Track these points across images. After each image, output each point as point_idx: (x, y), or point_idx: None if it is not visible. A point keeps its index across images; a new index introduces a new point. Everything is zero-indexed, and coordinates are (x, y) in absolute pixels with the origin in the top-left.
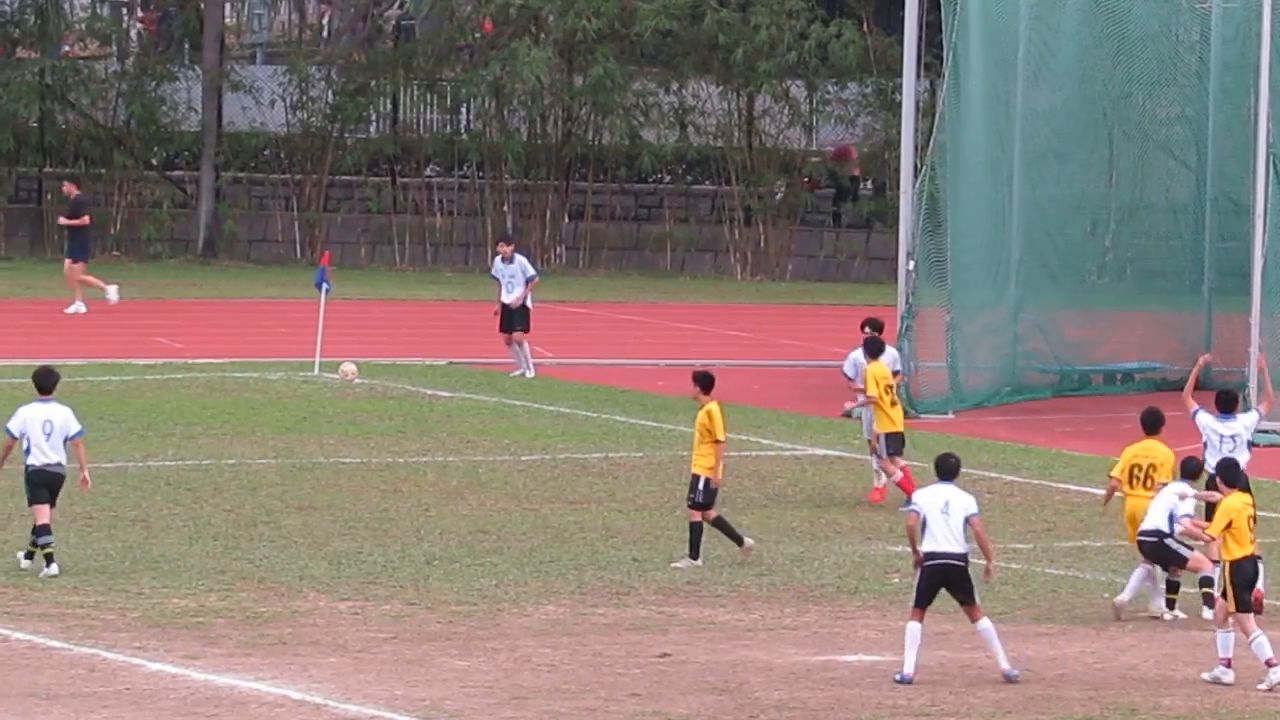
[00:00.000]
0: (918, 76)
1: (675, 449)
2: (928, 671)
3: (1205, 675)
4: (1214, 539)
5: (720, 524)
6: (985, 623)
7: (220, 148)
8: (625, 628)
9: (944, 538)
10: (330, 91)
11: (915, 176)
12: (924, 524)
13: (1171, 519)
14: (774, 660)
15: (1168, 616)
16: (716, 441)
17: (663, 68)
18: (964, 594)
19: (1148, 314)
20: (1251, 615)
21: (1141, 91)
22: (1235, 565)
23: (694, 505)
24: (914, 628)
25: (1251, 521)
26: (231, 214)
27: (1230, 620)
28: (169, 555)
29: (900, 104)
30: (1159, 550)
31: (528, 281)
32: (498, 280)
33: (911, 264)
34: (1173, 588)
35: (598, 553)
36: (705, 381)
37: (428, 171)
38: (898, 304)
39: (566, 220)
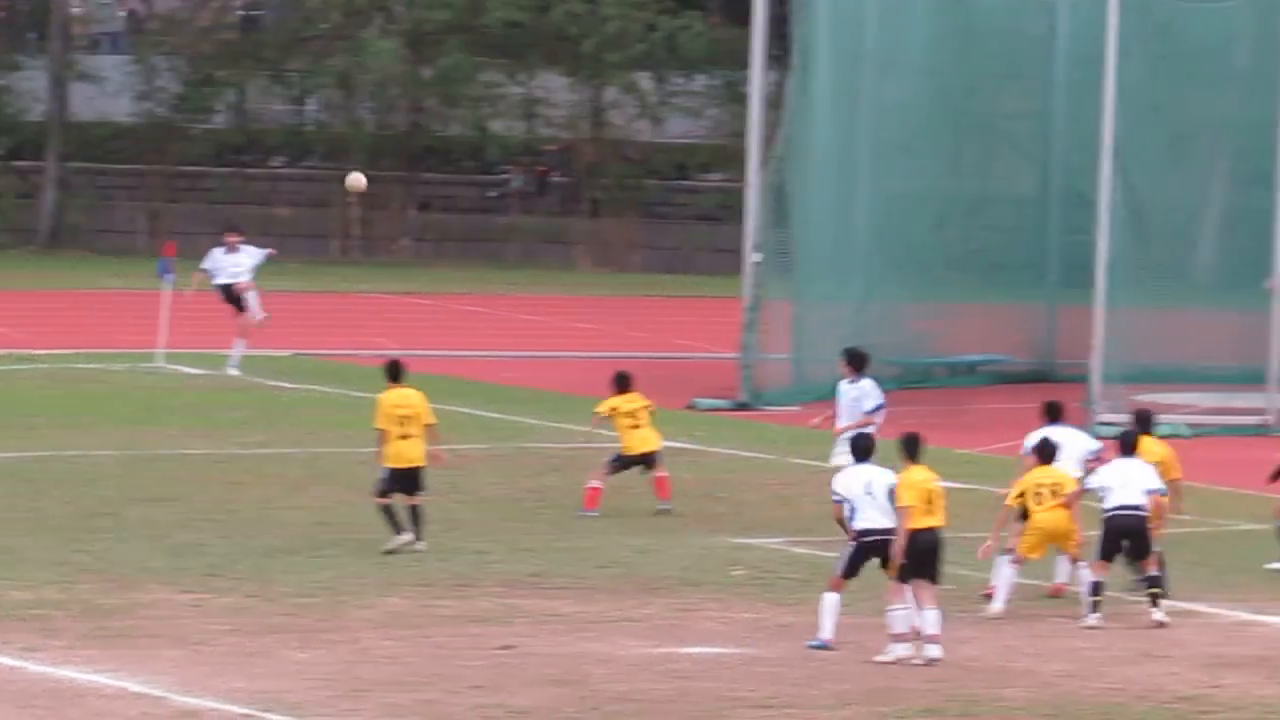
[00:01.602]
0: (766, 69)
1: (519, 440)
2: (769, 663)
3: (880, 657)
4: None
5: None
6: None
7: (65, 137)
8: (467, 620)
9: (873, 516)
10: (176, 81)
11: (762, 169)
12: (851, 509)
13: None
14: (616, 652)
15: (1158, 616)
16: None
17: (511, 59)
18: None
19: (992, 306)
20: (906, 588)
21: (988, 85)
22: (912, 535)
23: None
24: (833, 598)
25: (937, 495)
26: (76, 204)
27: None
28: (8, 547)
29: (748, 96)
30: (1141, 528)
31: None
32: (208, 272)
33: (758, 256)
34: (1152, 582)
35: (441, 545)
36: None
37: (274, 162)
38: (743, 296)
39: (413, 211)
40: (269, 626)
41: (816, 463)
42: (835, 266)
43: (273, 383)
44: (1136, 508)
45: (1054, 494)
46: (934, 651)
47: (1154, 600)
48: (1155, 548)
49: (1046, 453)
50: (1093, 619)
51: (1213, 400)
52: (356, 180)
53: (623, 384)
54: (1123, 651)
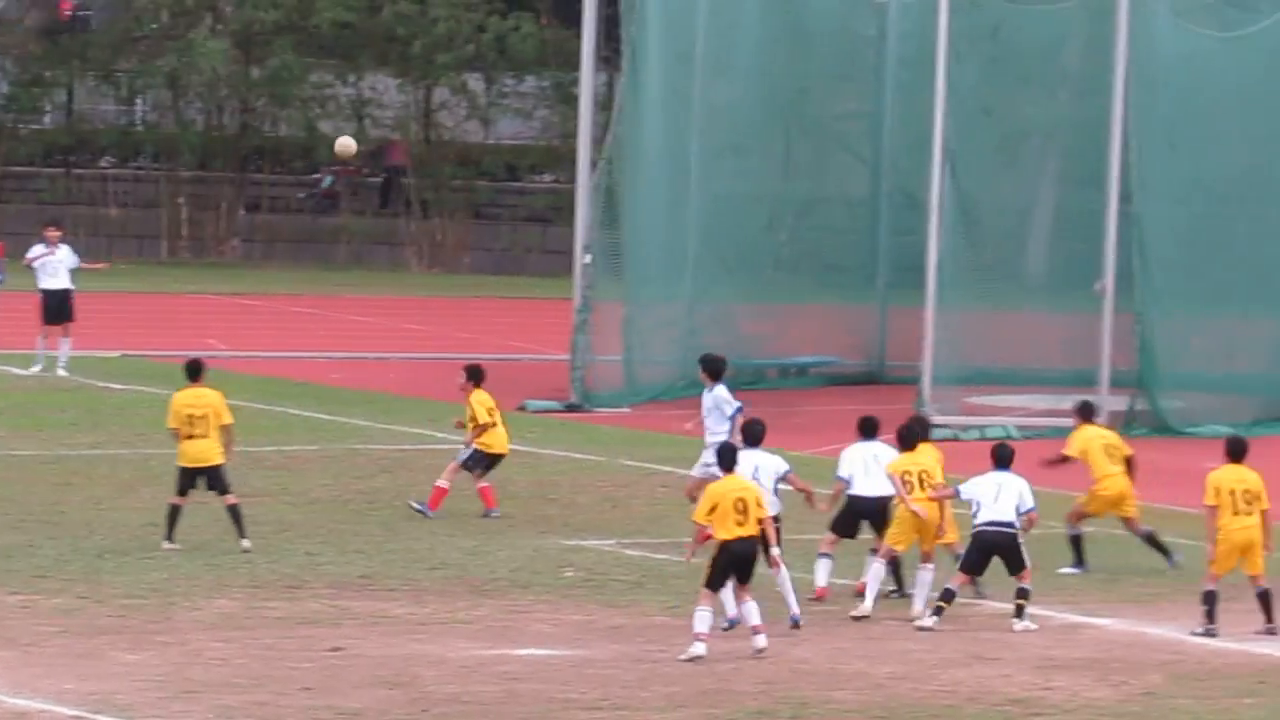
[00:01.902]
0: (596, 70)
1: (349, 442)
2: (600, 665)
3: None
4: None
5: None
6: (783, 572)
7: None
8: (297, 621)
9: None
10: (4, 82)
11: (593, 170)
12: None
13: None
14: (447, 654)
15: (1020, 626)
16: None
17: (341, 60)
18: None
19: (823, 307)
20: (715, 595)
21: (819, 86)
22: (722, 545)
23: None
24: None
25: (751, 504)
26: None
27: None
28: None
29: (578, 97)
30: (1011, 545)
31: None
32: (33, 269)
33: (588, 257)
34: (1022, 594)
35: (270, 546)
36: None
37: (103, 163)
38: (574, 297)
39: (242, 212)
40: (99, 628)
41: (648, 465)
42: (666, 268)
43: (101, 384)
44: (1007, 524)
45: (922, 483)
46: (761, 641)
47: (1019, 611)
48: (1027, 563)
49: (909, 437)
50: (929, 621)
51: (1043, 402)
52: (346, 145)
53: (475, 377)
54: (954, 654)
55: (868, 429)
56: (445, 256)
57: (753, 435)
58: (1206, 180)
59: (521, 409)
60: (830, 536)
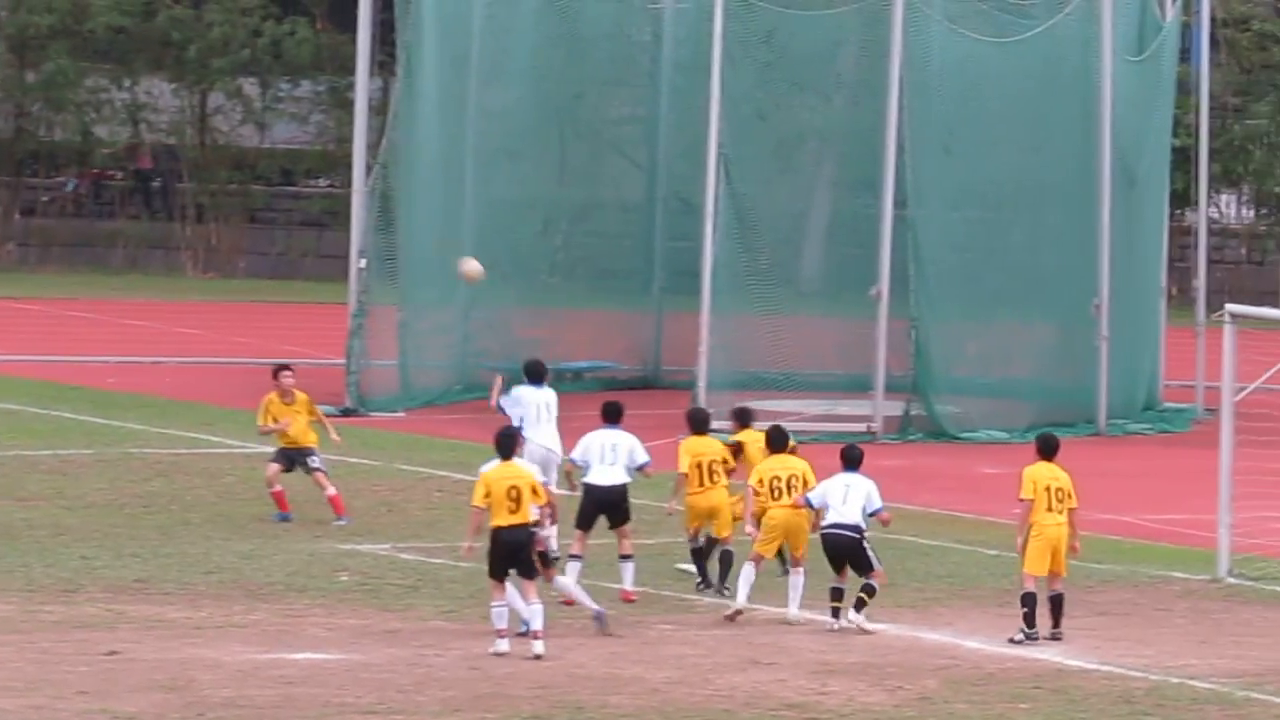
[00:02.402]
0: (371, 74)
1: (124, 445)
2: (376, 669)
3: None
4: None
5: None
6: (561, 577)
7: None
8: (73, 625)
9: (605, 473)
10: None
11: (368, 175)
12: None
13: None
14: (222, 658)
15: (855, 619)
16: None
17: (116, 64)
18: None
19: (599, 313)
20: (503, 585)
21: (594, 91)
22: (494, 533)
23: None
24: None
25: (524, 492)
26: None
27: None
28: None
29: (353, 102)
30: (852, 548)
31: None
32: None
33: (363, 262)
34: (837, 594)
35: (46, 550)
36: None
37: None
38: (349, 302)
39: (17, 216)
40: None
41: (423, 469)
42: (440, 272)
43: None
44: (850, 527)
45: (790, 489)
46: (539, 648)
47: (858, 604)
48: (877, 564)
49: (777, 441)
50: (858, 617)
51: (819, 407)
52: (474, 269)
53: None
54: (730, 659)
55: (611, 414)
56: (221, 261)
57: (613, 413)
58: (981, 186)
59: None
60: (578, 534)
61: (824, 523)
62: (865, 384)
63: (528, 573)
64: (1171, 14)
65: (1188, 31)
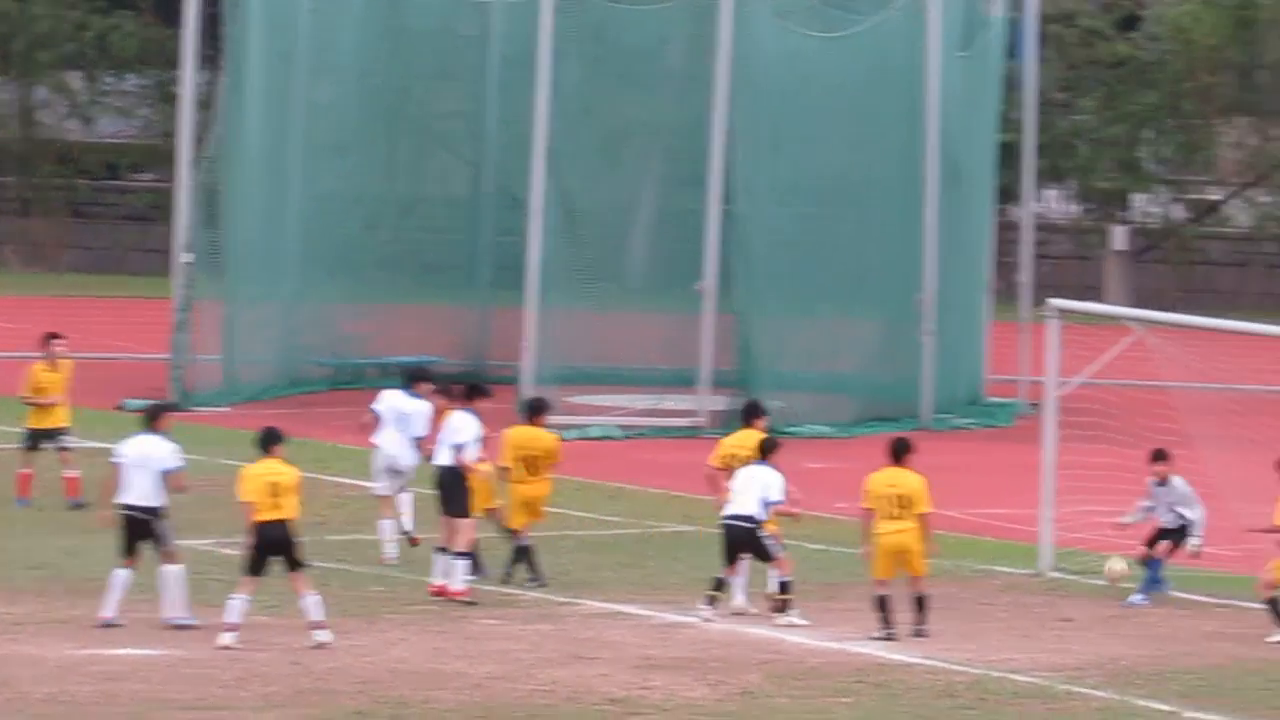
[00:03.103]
0: (198, 69)
1: None
2: (198, 665)
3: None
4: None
5: None
6: (177, 567)
7: None
8: None
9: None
10: None
11: (194, 169)
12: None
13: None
14: (44, 654)
15: (703, 613)
16: None
17: None
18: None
19: (425, 307)
20: (254, 580)
21: (421, 86)
22: (255, 528)
23: None
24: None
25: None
26: None
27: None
28: None
29: (179, 96)
30: (748, 539)
31: None
32: None
33: (188, 257)
34: (718, 585)
35: None
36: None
37: None
38: (174, 296)
39: None
40: None
41: (248, 464)
42: (266, 267)
43: None
44: (745, 519)
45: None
46: (323, 636)
47: (781, 606)
48: (779, 553)
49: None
50: (707, 612)
51: (645, 402)
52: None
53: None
54: (553, 653)
55: (410, 380)
56: (44, 255)
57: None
58: (807, 181)
59: (120, 408)
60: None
61: (723, 513)
62: (691, 379)
63: (294, 567)
64: (998, 10)
65: (1014, 27)
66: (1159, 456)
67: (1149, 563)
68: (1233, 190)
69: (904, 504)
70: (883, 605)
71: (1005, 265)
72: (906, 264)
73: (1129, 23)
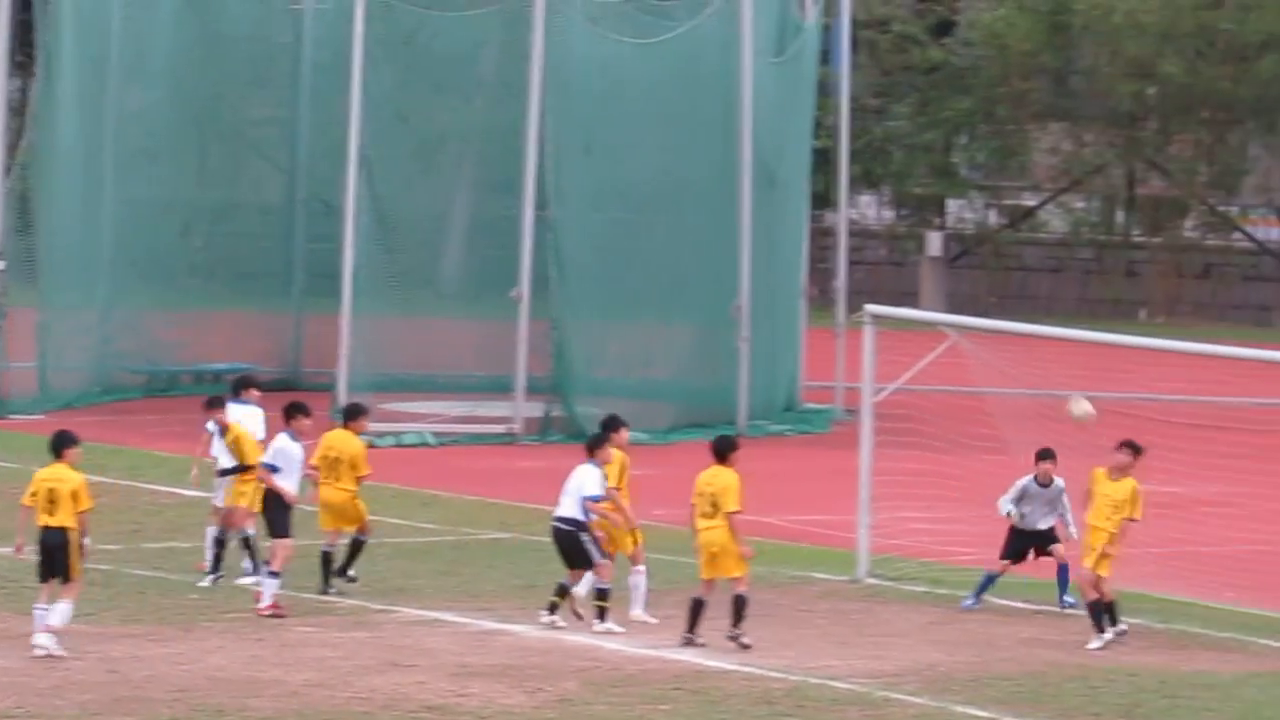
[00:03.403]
0: (10, 75)
1: None
2: (14, 673)
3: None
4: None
5: None
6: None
7: None
8: None
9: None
10: None
11: (6, 175)
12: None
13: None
14: None
15: (545, 619)
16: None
17: None
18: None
19: (238, 314)
20: (47, 586)
21: (234, 92)
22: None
23: None
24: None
25: (61, 495)
26: None
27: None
28: None
29: None
30: (570, 543)
31: None
32: None
33: (1, 264)
34: (560, 590)
35: None
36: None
37: None
38: None
39: None
40: None
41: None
42: (80, 274)
43: None
44: (567, 520)
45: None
46: (46, 642)
47: (600, 613)
48: (599, 559)
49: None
50: (601, 626)
51: (460, 409)
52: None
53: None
54: (370, 661)
55: (237, 387)
56: None
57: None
58: (622, 187)
59: None
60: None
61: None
62: (506, 385)
63: (63, 575)
64: (812, 16)
65: (828, 33)
66: (1045, 456)
67: (988, 575)
68: (1048, 196)
69: (713, 504)
70: (694, 609)
71: (821, 271)
72: (722, 270)
73: (943, 28)
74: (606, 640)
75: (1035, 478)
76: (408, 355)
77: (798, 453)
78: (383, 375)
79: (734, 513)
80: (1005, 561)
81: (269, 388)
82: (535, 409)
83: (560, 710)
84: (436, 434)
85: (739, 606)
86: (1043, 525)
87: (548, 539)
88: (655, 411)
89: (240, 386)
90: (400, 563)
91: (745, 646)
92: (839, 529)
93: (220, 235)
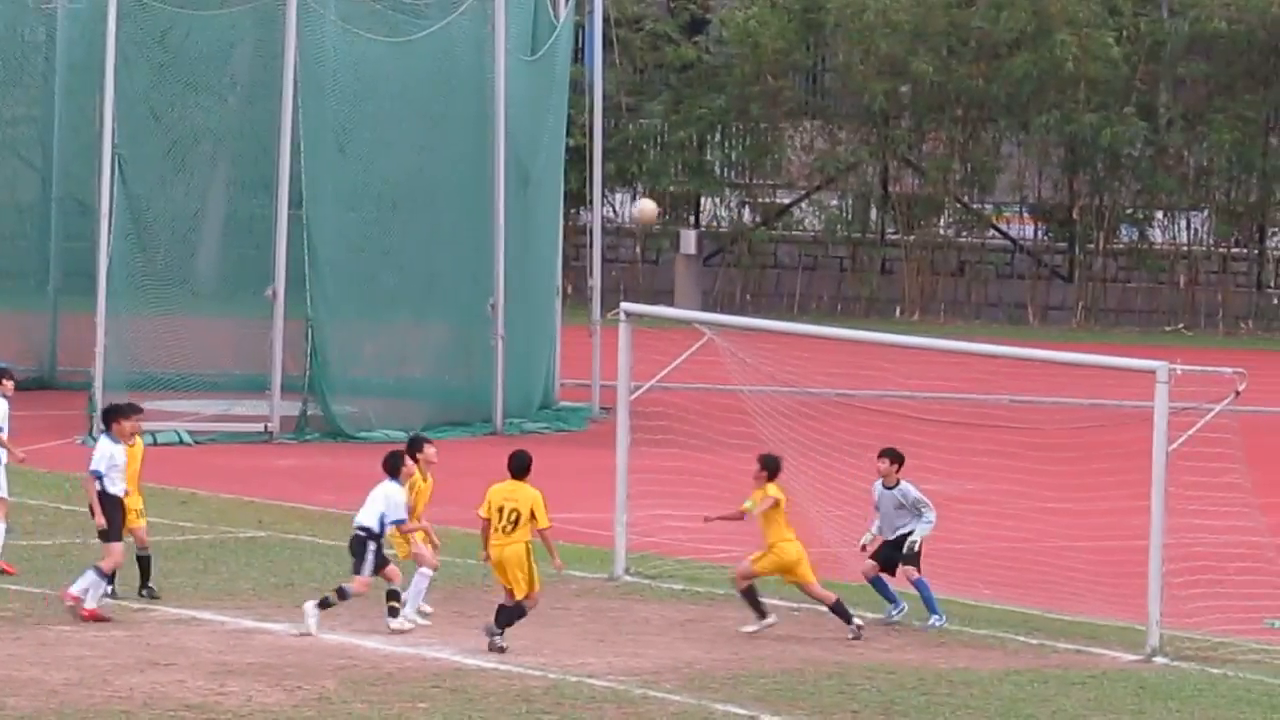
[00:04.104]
0: None
1: None
2: None
3: None
4: None
5: None
6: None
7: None
8: None
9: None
10: None
11: None
12: None
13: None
14: None
15: (393, 625)
16: None
17: None
18: None
19: None
20: None
21: None
22: None
23: None
24: None
25: None
26: None
27: None
28: None
29: None
30: (357, 546)
31: None
32: None
33: None
34: (392, 595)
35: None
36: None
37: None
38: None
39: None
40: None
41: None
42: None
43: None
44: (364, 529)
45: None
46: None
47: (322, 604)
48: (366, 571)
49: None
50: (394, 622)
51: (216, 407)
52: (648, 210)
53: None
54: (129, 659)
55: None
56: None
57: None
58: (376, 185)
59: None
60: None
61: None
62: (262, 384)
63: None
64: (565, 14)
65: (581, 31)
66: (882, 454)
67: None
68: (802, 194)
69: (515, 520)
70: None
71: (575, 269)
72: (477, 268)
73: (696, 27)
74: (365, 639)
75: (881, 480)
76: (164, 354)
77: (554, 450)
78: (139, 374)
79: (546, 529)
80: (873, 563)
81: (23, 387)
82: (291, 407)
83: (319, 709)
84: (193, 432)
85: (518, 615)
86: (896, 532)
87: (305, 537)
88: (411, 410)
89: None
90: (158, 562)
91: (500, 649)
92: (595, 527)
93: None
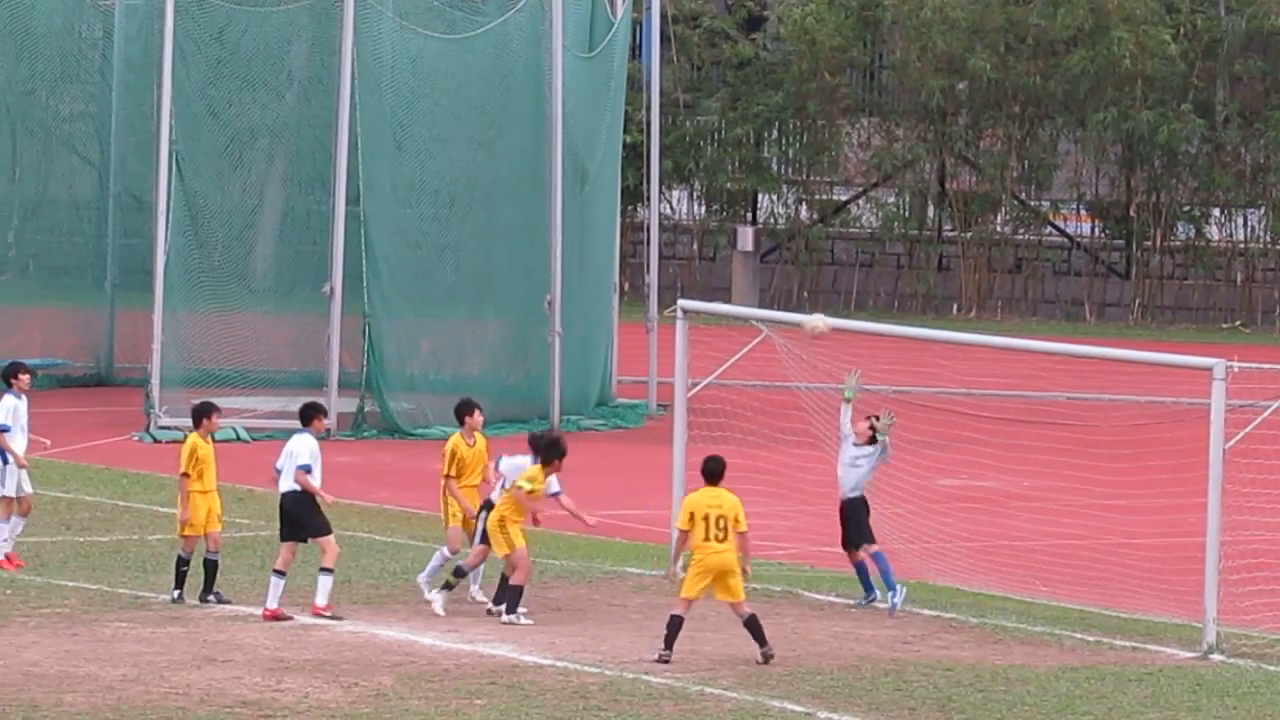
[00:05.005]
0: None
1: None
2: None
3: None
4: None
5: None
6: None
7: None
8: None
9: None
10: None
11: None
12: None
13: None
14: None
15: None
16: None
17: None
18: None
19: (51, 310)
20: None
21: (45, 88)
22: None
23: None
24: None
25: None
26: None
27: None
28: None
29: None
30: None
31: None
32: None
33: None
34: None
35: None
36: None
37: None
38: None
39: None
40: None
41: None
42: None
43: None
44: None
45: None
46: None
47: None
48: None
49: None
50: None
51: (273, 404)
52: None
53: None
54: (185, 656)
55: (7, 374)
56: None
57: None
58: (433, 182)
59: None
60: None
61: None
62: (319, 381)
63: None
64: (622, 11)
65: (639, 28)
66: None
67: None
68: (859, 191)
69: (722, 525)
70: (672, 625)
71: (632, 266)
72: (534, 265)
73: (753, 24)
74: (421, 635)
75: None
76: (220, 350)
77: (611, 448)
78: (195, 370)
79: (744, 533)
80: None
81: (81, 383)
82: (349, 404)
83: (376, 705)
84: (250, 429)
85: (756, 626)
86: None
87: (362, 534)
88: None
89: (10, 374)
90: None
91: (769, 658)
92: (652, 524)
93: (32, 230)
